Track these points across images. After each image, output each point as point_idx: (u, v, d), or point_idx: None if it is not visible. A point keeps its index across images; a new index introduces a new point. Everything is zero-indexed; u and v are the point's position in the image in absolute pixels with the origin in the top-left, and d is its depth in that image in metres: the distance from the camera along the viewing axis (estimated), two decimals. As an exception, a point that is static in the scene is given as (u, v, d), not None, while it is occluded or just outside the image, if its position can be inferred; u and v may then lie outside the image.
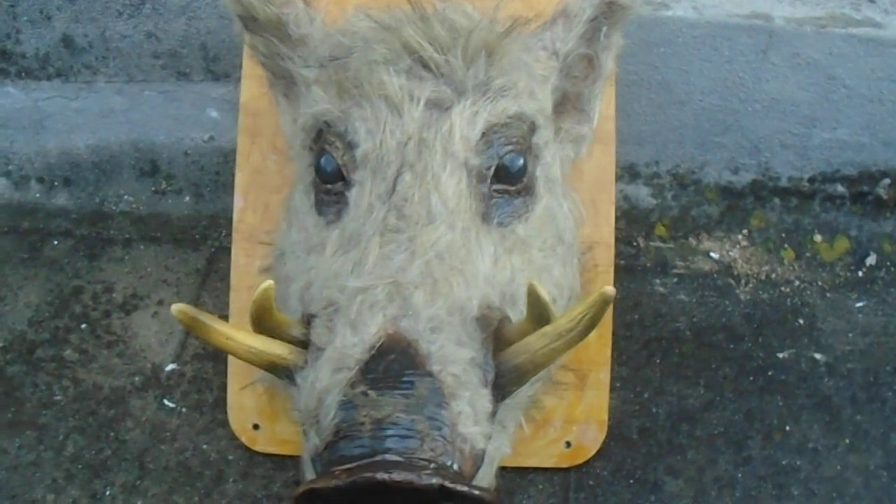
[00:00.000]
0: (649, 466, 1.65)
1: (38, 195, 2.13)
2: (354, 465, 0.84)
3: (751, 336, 1.85)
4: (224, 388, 1.72)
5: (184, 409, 1.72)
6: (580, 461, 1.63)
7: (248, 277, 1.63)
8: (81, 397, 1.74)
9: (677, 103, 1.87)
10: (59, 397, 1.74)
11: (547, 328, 0.94)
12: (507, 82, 1.18)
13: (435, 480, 0.81)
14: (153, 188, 2.11)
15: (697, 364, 1.80)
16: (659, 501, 1.61)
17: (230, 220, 2.05)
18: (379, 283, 0.98)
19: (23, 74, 1.99)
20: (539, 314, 0.95)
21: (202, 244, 2.02)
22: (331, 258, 1.09)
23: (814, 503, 1.61)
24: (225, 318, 1.82)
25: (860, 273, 1.97)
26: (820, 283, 1.95)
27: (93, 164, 2.11)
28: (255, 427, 1.64)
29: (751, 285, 1.93)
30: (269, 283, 0.97)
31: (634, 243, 1.98)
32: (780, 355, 1.82)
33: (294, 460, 1.64)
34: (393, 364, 0.91)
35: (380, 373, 0.90)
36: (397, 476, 0.81)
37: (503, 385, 0.98)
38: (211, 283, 1.93)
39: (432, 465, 0.84)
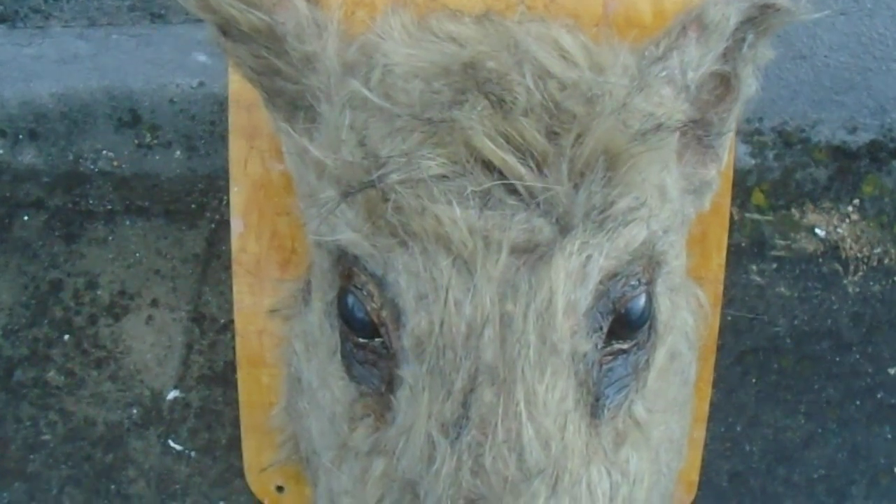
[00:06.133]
0: (740, 523, 1.43)
1: (1, 151, 1.77)
2: None
3: (859, 344, 1.56)
4: (237, 423, 1.46)
5: (192, 454, 1.48)
6: (662, 526, 1.40)
7: (256, 320, 1.31)
8: (73, 436, 1.50)
9: (797, 58, 1.49)
10: (47, 436, 1.50)
11: None
12: (634, 201, 0.77)
13: None
14: (136, 141, 1.74)
15: (798, 384, 1.53)
16: (751, 567, 1.41)
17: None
18: None
19: (-42, 22, 1.58)
20: None
21: (199, 218, 1.69)
22: (375, 505, 0.77)
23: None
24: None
25: None
26: (941, 270, 1.63)
27: (61, 113, 1.73)
28: (280, 489, 1.40)
29: (860, 273, 1.61)
30: None
31: (728, 228, 1.64)
32: (891, 371, 1.53)
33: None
34: None
35: None
36: None
37: None
38: (213, 275, 1.62)
39: None
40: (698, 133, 0.99)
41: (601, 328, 0.77)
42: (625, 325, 0.79)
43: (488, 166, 0.75)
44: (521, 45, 0.81)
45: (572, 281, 0.74)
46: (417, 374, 0.74)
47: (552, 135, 0.75)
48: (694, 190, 0.99)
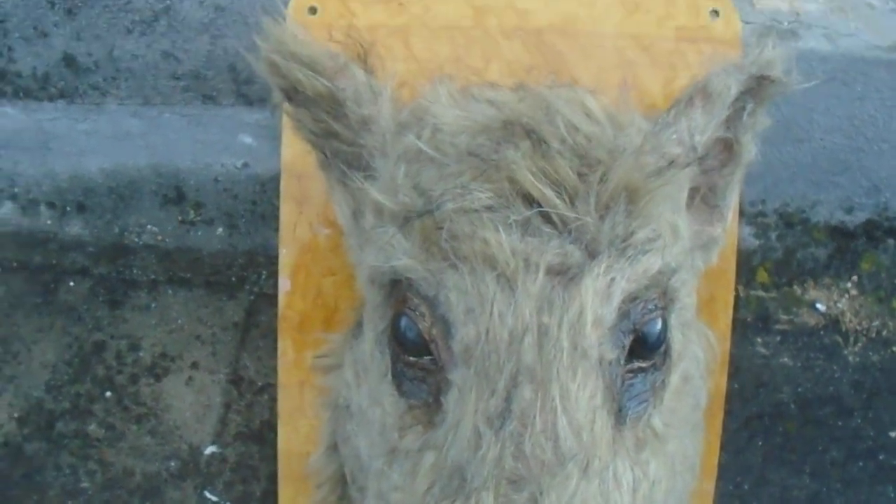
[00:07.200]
0: (751, 582, 1.48)
1: (49, 222, 1.89)
2: None
3: (860, 409, 1.64)
4: (272, 478, 1.53)
5: (228, 505, 1.54)
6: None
7: (299, 372, 1.40)
8: (111, 485, 1.56)
9: (795, 141, 1.61)
10: (85, 484, 1.56)
11: None
12: (651, 232, 0.88)
13: None
14: (179, 218, 1.86)
15: (803, 446, 1.60)
16: None
17: (270, 257, 1.84)
18: None
19: (21, 94, 1.72)
20: None
21: (239, 290, 1.79)
22: (425, 495, 0.86)
23: None
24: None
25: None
26: (937, 341, 1.72)
27: (109, 188, 1.86)
28: (312, 538, 1.46)
29: (860, 344, 1.70)
30: None
31: (734, 291, 1.75)
32: (892, 434, 1.61)
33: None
34: None
35: None
36: None
37: None
38: (251, 342, 1.71)
39: None
40: (705, 193, 1.13)
41: (623, 346, 0.88)
42: (643, 345, 0.89)
43: (528, 199, 0.87)
44: (552, 106, 0.94)
45: (599, 298, 0.85)
46: (466, 376, 0.85)
47: (581, 175, 0.88)
48: (702, 245, 1.11)
